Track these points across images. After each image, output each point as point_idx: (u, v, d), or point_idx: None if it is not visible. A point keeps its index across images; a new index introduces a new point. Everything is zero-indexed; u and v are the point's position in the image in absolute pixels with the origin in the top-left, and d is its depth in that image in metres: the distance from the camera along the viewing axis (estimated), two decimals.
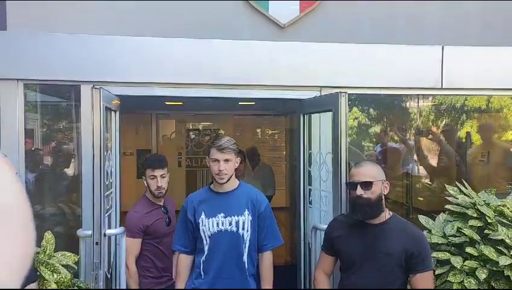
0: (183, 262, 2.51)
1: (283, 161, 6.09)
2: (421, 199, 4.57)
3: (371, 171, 2.16)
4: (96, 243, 2.58)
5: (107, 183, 2.84)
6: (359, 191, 2.13)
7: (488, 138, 4.63)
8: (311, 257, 2.95)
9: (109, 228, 2.94)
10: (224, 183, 2.42)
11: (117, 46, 3.18)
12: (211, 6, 3.38)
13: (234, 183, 2.51)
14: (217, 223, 2.42)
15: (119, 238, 2.80)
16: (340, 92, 2.65)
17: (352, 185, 2.18)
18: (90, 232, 2.62)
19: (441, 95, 4.23)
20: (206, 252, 2.44)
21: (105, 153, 2.80)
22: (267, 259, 2.52)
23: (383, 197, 2.17)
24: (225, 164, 2.37)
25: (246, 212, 2.45)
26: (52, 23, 3.16)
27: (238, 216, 2.43)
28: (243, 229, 2.44)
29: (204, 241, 2.44)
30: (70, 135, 3.93)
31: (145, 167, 2.97)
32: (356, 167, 2.22)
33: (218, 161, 2.37)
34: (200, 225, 2.43)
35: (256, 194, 2.52)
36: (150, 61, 3.23)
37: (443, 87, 3.45)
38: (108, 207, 2.94)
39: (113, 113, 3.12)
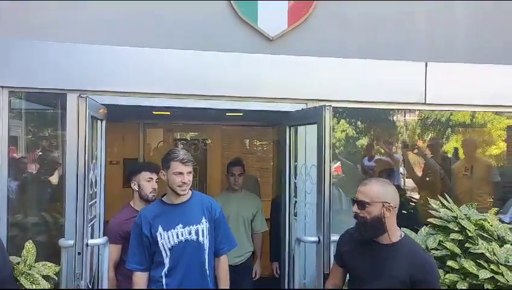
0: (140, 280, 2.50)
1: (270, 172, 6.10)
2: (405, 211, 4.62)
3: (369, 191, 2.09)
4: (79, 253, 2.54)
5: (91, 192, 2.82)
6: (355, 208, 2.11)
7: (471, 153, 4.72)
8: (295, 269, 2.96)
9: (92, 237, 2.91)
10: (185, 194, 2.50)
11: (104, 55, 3.18)
12: (199, 17, 3.40)
13: (188, 193, 2.57)
14: (177, 234, 2.46)
15: (102, 248, 2.77)
16: (325, 106, 2.70)
17: (353, 202, 2.16)
18: (72, 242, 2.59)
19: (424, 110, 4.31)
20: (167, 265, 2.46)
21: (91, 162, 2.79)
22: (223, 262, 2.61)
23: (383, 220, 2.06)
24: (188, 176, 2.47)
25: (203, 219, 2.52)
26: (38, 31, 3.15)
27: (196, 225, 2.49)
28: (203, 236, 2.50)
29: (164, 254, 2.46)
30: (55, 143, 3.90)
31: (139, 170, 3.02)
32: (361, 185, 2.17)
33: (182, 173, 2.45)
34: (159, 238, 2.46)
35: (209, 201, 2.62)
36: (138, 71, 3.24)
37: (426, 102, 3.52)
38: (91, 217, 2.92)
39: (99, 122, 3.11)
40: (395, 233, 2.11)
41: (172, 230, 2.46)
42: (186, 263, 2.46)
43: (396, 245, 2.10)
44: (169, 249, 2.45)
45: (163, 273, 2.46)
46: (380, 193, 2.08)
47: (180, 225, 2.47)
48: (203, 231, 2.49)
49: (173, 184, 2.47)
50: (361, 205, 2.08)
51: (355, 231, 2.16)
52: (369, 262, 2.11)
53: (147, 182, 2.98)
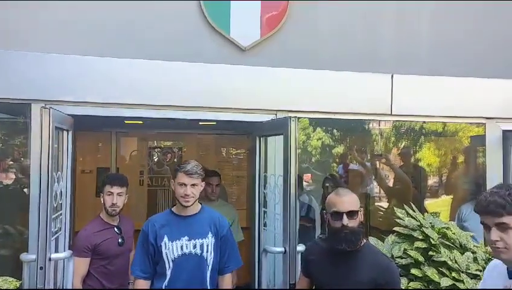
0: (142, 288, 2.47)
1: (245, 181, 6.10)
2: (380, 219, 4.73)
3: (354, 200, 2.12)
4: (41, 268, 2.49)
5: (55, 205, 2.77)
6: (345, 220, 2.07)
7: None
8: (262, 279, 2.96)
9: (57, 251, 2.86)
10: (189, 206, 2.46)
11: (71, 65, 3.15)
12: (171, 27, 3.40)
13: (197, 206, 2.55)
14: (181, 247, 2.44)
15: (67, 262, 2.72)
16: (290, 117, 2.73)
17: (337, 215, 2.10)
18: (34, 256, 2.53)
19: (390, 120, 4.41)
20: (168, 276, 2.44)
21: (55, 174, 2.75)
22: (227, 281, 2.58)
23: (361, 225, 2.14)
24: (192, 189, 2.43)
25: (210, 235, 2.49)
26: (4, 39, 3.10)
27: (202, 239, 2.47)
28: (207, 251, 2.47)
29: (167, 265, 2.44)
30: (23, 153, 3.83)
31: (104, 183, 2.95)
32: (338, 196, 2.13)
33: (185, 185, 2.42)
34: (163, 248, 2.43)
35: (218, 217, 2.58)
36: (106, 82, 3.21)
37: (392, 113, 3.61)
38: (56, 229, 2.86)
39: (65, 132, 3.07)
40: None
41: (177, 241, 2.44)
42: (188, 277, 2.43)
43: (359, 251, 2.14)
44: (172, 260, 2.43)
45: (163, 285, 2.43)
46: (358, 199, 2.15)
47: (186, 238, 2.44)
48: (207, 246, 2.47)
49: (177, 195, 2.45)
50: (352, 214, 2.08)
51: (342, 244, 2.08)
52: (334, 269, 2.14)
53: (107, 196, 2.90)
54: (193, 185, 2.43)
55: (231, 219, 3.84)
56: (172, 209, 2.57)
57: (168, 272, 2.43)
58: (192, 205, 2.47)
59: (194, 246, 2.45)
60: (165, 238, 2.43)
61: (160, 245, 2.43)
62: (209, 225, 2.51)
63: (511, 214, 1.54)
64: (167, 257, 2.43)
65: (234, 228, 3.83)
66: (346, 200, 2.10)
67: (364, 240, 2.20)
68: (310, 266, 2.28)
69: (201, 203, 2.60)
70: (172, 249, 2.43)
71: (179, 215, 2.51)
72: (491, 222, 1.57)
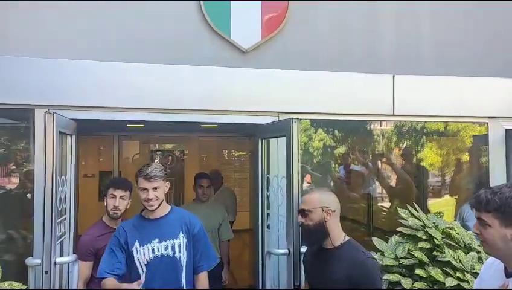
0: (109, 280, 2.36)
1: (248, 183, 6.11)
2: (383, 220, 4.72)
3: (309, 199, 2.24)
4: (46, 272, 2.50)
5: (59, 209, 2.78)
6: (299, 218, 2.25)
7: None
8: (266, 281, 2.96)
9: (62, 255, 2.87)
10: (154, 209, 2.45)
11: (73, 69, 3.16)
12: (172, 30, 3.42)
13: (166, 208, 2.54)
14: (153, 249, 2.44)
15: (72, 266, 2.73)
16: (292, 119, 2.73)
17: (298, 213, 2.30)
18: (39, 260, 2.54)
19: (393, 121, 4.42)
20: (143, 281, 2.42)
21: (59, 178, 2.76)
22: (202, 280, 2.57)
23: (325, 224, 2.17)
24: (154, 192, 2.41)
25: (181, 235, 2.48)
26: (6, 45, 3.12)
27: (173, 240, 2.46)
28: (179, 252, 2.47)
29: (141, 270, 2.44)
30: (25, 158, 3.84)
31: (108, 186, 2.96)
32: (304, 194, 2.32)
33: (146, 189, 2.40)
34: (135, 253, 2.43)
35: (189, 217, 2.57)
36: (108, 86, 3.22)
37: (395, 114, 3.62)
38: (60, 234, 2.87)
39: (68, 137, 3.08)
40: (337, 237, 2.21)
41: (148, 245, 2.43)
42: (162, 278, 2.43)
43: (339, 249, 2.19)
44: (145, 264, 2.42)
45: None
46: (318, 199, 2.22)
47: (157, 240, 2.44)
48: (179, 246, 2.47)
49: (141, 199, 2.45)
50: (303, 213, 2.21)
51: (302, 241, 2.30)
52: (316, 268, 2.23)
53: (110, 199, 2.90)
54: (155, 188, 2.41)
55: (222, 218, 3.89)
56: (141, 213, 2.55)
57: (143, 277, 2.42)
58: (157, 208, 2.45)
59: (166, 248, 2.44)
60: (136, 243, 2.43)
61: (132, 250, 2.42)
62: (180, 225, 2.50)
63: (489, 211, 1.61)
64: (139, 261, 2.43)
65: (224, 227, 3.92)
66: (303, 199, 2.29)
67: (346, 238, 2.22)
68: (305, 266, 2.39)
69: (170, 204, 2.59)
70: (143, 253, 2.42)
71: (148, 218, 2.50)
72: (476, 214, 1.67)
